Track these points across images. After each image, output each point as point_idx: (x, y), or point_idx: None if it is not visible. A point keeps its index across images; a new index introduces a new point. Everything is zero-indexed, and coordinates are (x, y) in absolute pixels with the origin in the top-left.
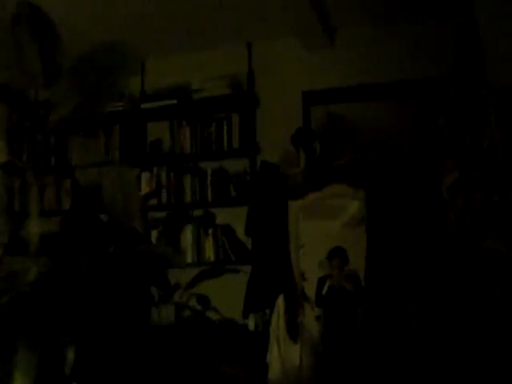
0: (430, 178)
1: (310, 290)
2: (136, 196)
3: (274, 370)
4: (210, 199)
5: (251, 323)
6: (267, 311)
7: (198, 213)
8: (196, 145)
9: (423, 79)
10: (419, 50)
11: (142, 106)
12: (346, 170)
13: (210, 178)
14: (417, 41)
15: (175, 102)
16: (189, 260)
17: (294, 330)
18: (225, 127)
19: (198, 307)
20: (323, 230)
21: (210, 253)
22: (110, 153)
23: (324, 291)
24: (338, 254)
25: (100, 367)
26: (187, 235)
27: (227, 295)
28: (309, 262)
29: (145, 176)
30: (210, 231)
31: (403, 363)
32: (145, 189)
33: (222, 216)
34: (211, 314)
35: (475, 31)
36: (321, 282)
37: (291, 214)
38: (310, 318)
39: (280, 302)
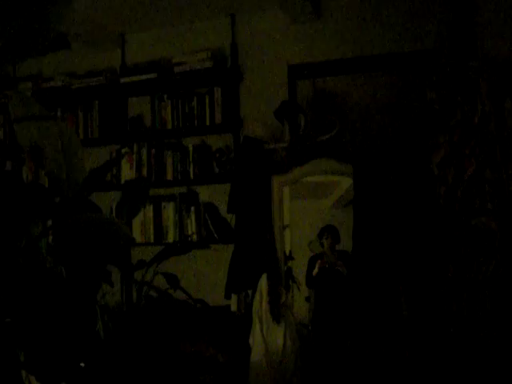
0: (420, 153)
1: (298, 270)
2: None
3: (257, 352)
4: (192, 176)
5: (233, 304)
6: (250, 292)
7: (180, 190)
8: (178, 120)
9: (413, 52)
10: (409, 22)
11: (122, 80)
12: (332, 145)
13: (192, 154)
14: (406, 12)
15: (155, 75)
16: (170, 239)
17: (277, 312)
18: (207, 102)
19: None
20: (311, 209)
21: (192, 231)
22: (89, 130)
23: (315, 272)
24: (329, 233)
25: (52, 353)
26: (169, 213)
27: (202, 275)
28: (296, 242)
29: (125, 153)
30: (193, 209)
31: (392, 345)
32: (125, 166)
33: (205, 193)
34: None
35: (468, 2)
36: (311, 262)
37: (275, 189)
38: (298, 299)
39: (263, 282)
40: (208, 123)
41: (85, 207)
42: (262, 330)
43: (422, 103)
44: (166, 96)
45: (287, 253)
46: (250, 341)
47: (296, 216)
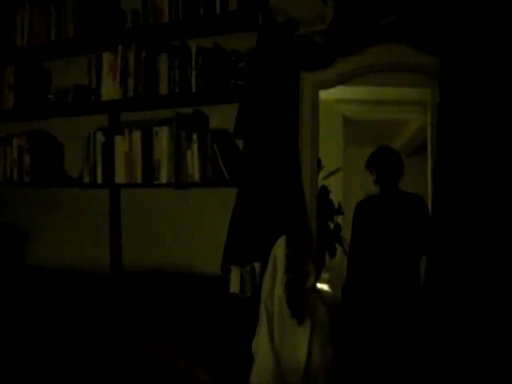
0: None
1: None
2: None
3: (262, 366)
4: (194, 89)
5: (234, 282)
6: (256, 265)
7: (181, 111)
8: (177, 10)
9: None
10: None
11: None
12: (404, 28)
13: (195, 58)
14: None
15: None
16: (163, 179)
17: (298, 303)
18: None
19: None
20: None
21: (193, 169)
22: (62, 27)
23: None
24: (380, 162)
25: None
26: (162, 143)
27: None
28: (349, 193)
29: (107, 58)
30: (195, 137)
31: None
32: (107, 77)
33: (216, 116)
34: None
35: None
36: (358, 212)
37: (305, 95)
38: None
39: (278, 250)
40: (219, 11)
41: None
42: (271, 331)
43: None
44: None
45: (335, 205)
46: (254, 347)
47: (351, 162)
